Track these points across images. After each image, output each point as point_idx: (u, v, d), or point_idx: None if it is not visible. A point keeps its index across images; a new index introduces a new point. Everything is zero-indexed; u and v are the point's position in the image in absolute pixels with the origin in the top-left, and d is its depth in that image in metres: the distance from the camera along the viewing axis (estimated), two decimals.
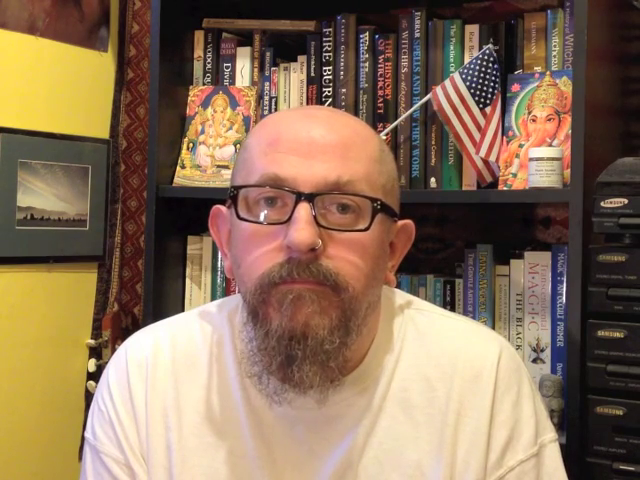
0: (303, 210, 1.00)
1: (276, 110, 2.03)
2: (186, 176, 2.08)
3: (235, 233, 1.07)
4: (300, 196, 1.01)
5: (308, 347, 1.01)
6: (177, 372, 1.15)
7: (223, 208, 1.13)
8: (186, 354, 1.15)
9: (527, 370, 1.17)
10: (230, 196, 1.07)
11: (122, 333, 2.36)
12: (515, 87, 1.83)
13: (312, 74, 2.00)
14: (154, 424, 1.12)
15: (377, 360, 1.12)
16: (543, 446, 1.13)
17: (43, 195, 2.24)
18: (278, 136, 1.05)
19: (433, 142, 1.88)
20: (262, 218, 1.04)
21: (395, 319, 1.16)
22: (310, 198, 1.01)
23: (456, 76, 1.81)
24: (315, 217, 1.01)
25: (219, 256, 2.07)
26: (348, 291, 1.02)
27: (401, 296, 1.20)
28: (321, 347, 1.02)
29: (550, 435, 1.14)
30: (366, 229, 1.03)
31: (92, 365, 2.31)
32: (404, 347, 1.14)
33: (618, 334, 1.50)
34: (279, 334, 1.02)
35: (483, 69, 1.79)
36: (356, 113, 1.91)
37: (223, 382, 1.13)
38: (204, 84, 2.12)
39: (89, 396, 2.32)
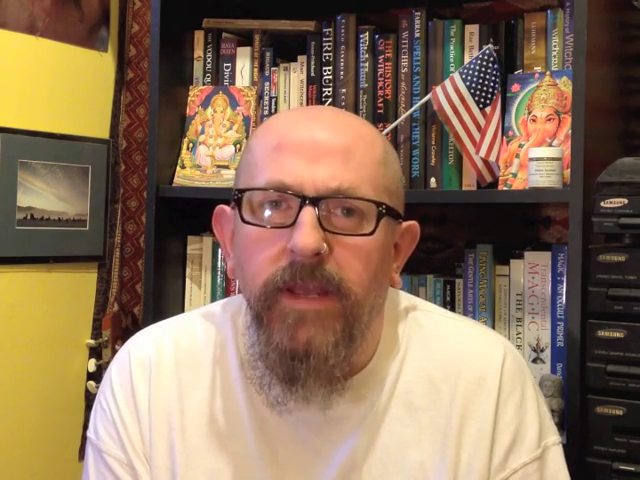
0: (308, 214, 1.00)
1: (276, 110, 2.03)
2: (186, 176, 2.08)
3: (239, 236, 1.07)
4: (305, 200, 1.00)
5: (311, 366, 1.01)
6: (180, 373, 1.14)
7: (227, 208, 1.12)
8: (189, 355, 1.15)
9: (531, 372, 1.17)
10: (234, 199, 1.07)
11: (122, 333, 2.36)
12: (515, 87, 1.83)
13: (312, 74, 2.00)
14: (157, 424, 1.12)
15: (381, 363, 1.12)
16: (546, 449, 1.12)
17: (43, 195, 2.24)
18: (282, 140, 1.04)
19: (433, 142, 1.88)
20: (266, 221, 1.03)
21: (399, 321, 1.15)
22: (315, 202, 1.00)
23: (456, 76, 1.81)
24: (320, 221, 1.00)
25: (219, 256, 2.07)
26: (350, 297, 1.01)
27: (406, 298, 1.20)
28: (325, 363, 1.01)
29: (553, 438, 1.14)
30: (371, 233, 1.03)
31: (92, 365, 2.31)
32: (409, 349, 1.13)
33: (618, 334, 1.50)
34: (280, 350, 1.01)
35: (483, 69, 1.80)
36: (356, 113, 1.91)
37: (226, 384, 1.13)
38: (204, 84, 2.12)
39: (89, 396, 2.32)
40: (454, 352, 1.13)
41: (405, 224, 1.12)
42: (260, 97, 2.07)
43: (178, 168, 2.09)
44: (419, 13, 1.89)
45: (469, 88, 1.80)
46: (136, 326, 2.39)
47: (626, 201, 1.50)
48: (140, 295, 2.43)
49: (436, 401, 1.11)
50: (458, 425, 1.10)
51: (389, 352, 1.13)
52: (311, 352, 1.01)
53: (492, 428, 1.10)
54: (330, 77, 1.98)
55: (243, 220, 1.04)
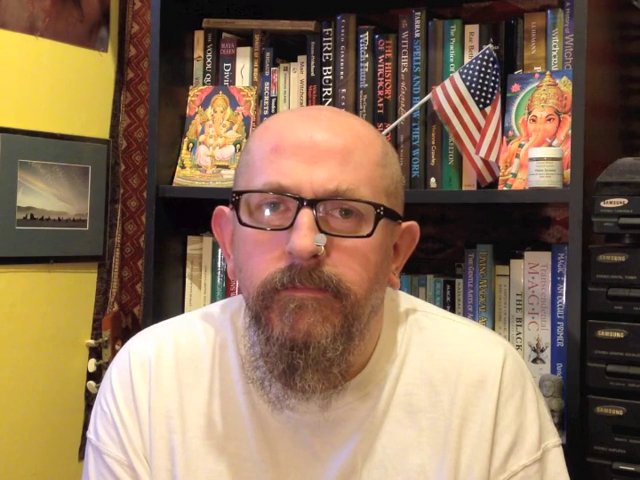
0: (305, 216, 1.00)
1: (276, 110, 2.03)
2: (186, 176, 2.08)
3: (237, 237, 1.07)
4: (302, 202, 1.01)
5: (310, 356, 1.01)
6: (180, 374, 1.14)
7: (226, 209, 1.12)
8: (189, 356, 1.15)
9: (531, 374, 1.17)
10: (232, 201, 1.07)
11: (122, 333, 2.36)
12: (515, 87, 1.83)
13: (312, 74, 2.00)
14: (157, 426, 1.12)
15: (380, 364, 1.12)
16: (547, 451, 1.13)
17: (43, 195, 2.24)
18: (280, 141, 1.04)
19: (433, 142, 1.88)
20: (264, 223, 1.03)
21: (399, 322, 1.15)
22: (312, 204, 1.01)
23: (456, 76, 1.81)
24: (317, 223, 1.00)
25: (219, 256, 2.07)
26: (350, 297, 1.02)
27: (406, 299, 1.19)
28: (324, 355, 1.01)
29: (554, 440, 1.14)
30: (369, 235, 1.03)
31: (92, 365, 2.32)
32: (409, 351, 1.13)
33: (618, 334, 1.50)
34: (280, 342, 1.02)
35: (483, 69, 1.80)
36: (356, 113, 1.91)
37: (227, 385, 1.13)
38: (204, 84, 2.12)
39: (89, 396, 2.33)
40: (454, 354, 1.13)
41: (404, 225, 1.12)
42: (260, 97, 2.07)
43: (178, 168, 2.09)
44: (419, 13, 1.88)
45: (469, 88, 1.80)
46: (136, 326, 2.39)
47: (626, 201, 1.50)
48: (140, 295, 2.43)
49: (436, 403, 1.11)
50: (458, 427, 1.10)
51: (388, 354, 1.13)
52: (310, 343, 1.01)
53: (492, 430, 1.10)
54: (330, 77, 1.98)
55: (241, 222, 1.05)
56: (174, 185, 2.07)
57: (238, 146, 2.05)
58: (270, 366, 1.05)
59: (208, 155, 2.07)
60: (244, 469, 1.11)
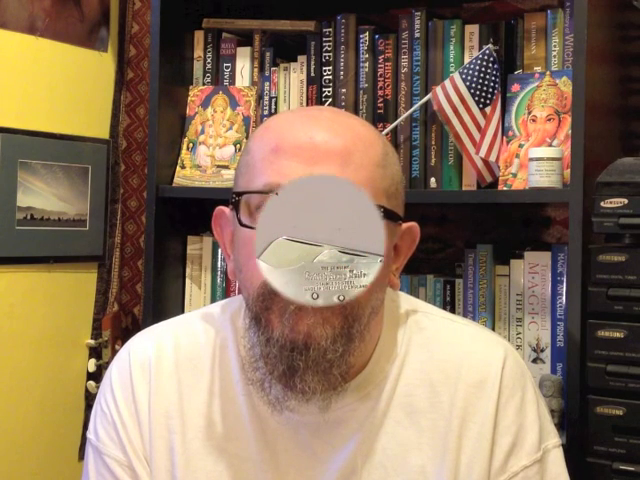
0: None
1: (276, 110, 2.03)
2: (186, 176, 2.08)
3: (237, 238, 1.07)
4: None
5: (310, 358, 1.01)
6: (180, 375, 1.14)
7: (226, 209, 1.12)
8: (189, 357, 1.15)
9: (531, 375, 1.17)
10: (232, 202, 1.06)
11: (122, 333, 2.36)
12: (515, 87, 1.83)
13: (312, 74, 2.00)
14: (157, 426, 1.12)
15: (380, 365, 1.12)
16: (547, 451, 1.13)
17: (43, 195, 2.24)
18: (280, 141, 1.04)
19: (433, 142, 1.88)
20: None
21: (400, 323, 1.15)
22: None
23: (456, 76, 1.81)
24: None
25: (219, 256, 2.07)
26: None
27: (406, 300, 1.19)
28: (324, 357, 1.01)
29: (554, 440, 1.14)
30: None
31: (92, 365, 2.32)
32: (409, 352, 1.13)
33: (618, 334, 1.50)
34: (280, 343, 1.01)
35: (483, 69, 1.80)
36: (356, 113, 1.91)
37: (227, 386, 1.13)
38: (204, 84, 2.12)
39: (89, 396, 2.32)
40: (454, 355, 1.13)
41: (405, 225, 1.12)
42: (260, 97, 2.07)
43: (178, 168, 2.09)
44: (419, 13, 1.88)
45: (469, 88, 1.80)
46: (136, 326, 2.39)
47: (626, 201, 1.50)
48: (140, 295, 2.43)
49: (436, 404, 1.11)
50: (458, 428, 1.10)
51: (388, 355, 1.12)
52: (310, 344, 1.01)
53: (492, 431, 1.10)
54: (330, 77, 1.98)
55: (241, 223, 1.05)
56: (174, 185, 2.07)
57: (238, 146, 2.05)
58: (270, 367, 1.05)
59: (208, 155, 2.07)
60: (244, 470, 1.11)
